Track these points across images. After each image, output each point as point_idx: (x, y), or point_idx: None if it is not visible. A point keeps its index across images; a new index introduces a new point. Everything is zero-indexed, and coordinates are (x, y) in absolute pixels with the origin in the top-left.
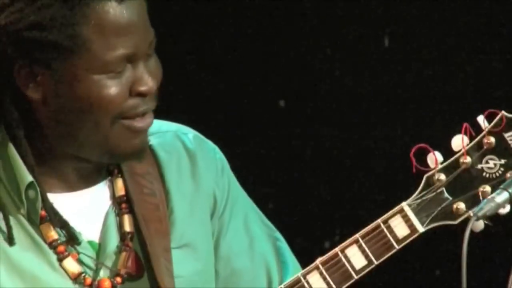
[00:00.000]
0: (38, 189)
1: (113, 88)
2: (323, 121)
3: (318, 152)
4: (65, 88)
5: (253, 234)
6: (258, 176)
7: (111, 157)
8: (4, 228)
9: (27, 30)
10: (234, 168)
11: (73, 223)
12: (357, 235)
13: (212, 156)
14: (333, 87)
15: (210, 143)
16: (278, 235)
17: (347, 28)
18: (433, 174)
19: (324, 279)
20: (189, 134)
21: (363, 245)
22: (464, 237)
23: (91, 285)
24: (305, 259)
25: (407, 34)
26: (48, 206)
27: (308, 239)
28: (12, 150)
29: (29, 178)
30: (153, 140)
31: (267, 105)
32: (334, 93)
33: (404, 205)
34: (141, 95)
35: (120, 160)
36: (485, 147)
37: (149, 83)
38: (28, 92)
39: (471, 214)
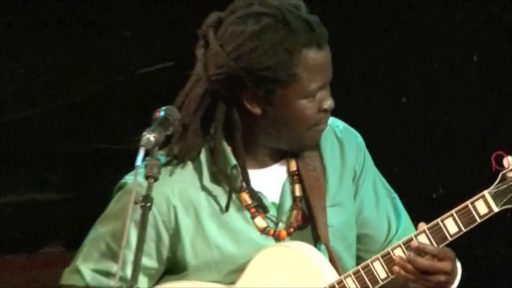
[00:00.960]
0: (239, 169)
1: (310, 109)
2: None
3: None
4: (279, 107)
5: (379, 194)
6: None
7: (300, 148)
8: (219, 197)
9: (261, 70)
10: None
11: (261, 190)
12: (453, 211)
13: (354, 141)
14: None
15: (353, 131)
16: (395, 195)
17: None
18: (506, 172)
19: (428, 239)
20: (340, 126)
21: (456, 218)
22: None
23: (273, 235)
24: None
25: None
26: (245, 180)
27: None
28: (224, 143)
29: (233, 161)
30: None
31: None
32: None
33: (486, 192)
34: (325, 111)
35: (305, 150)
36: None
37: (330, 103)
38: (251, 108)
39: None
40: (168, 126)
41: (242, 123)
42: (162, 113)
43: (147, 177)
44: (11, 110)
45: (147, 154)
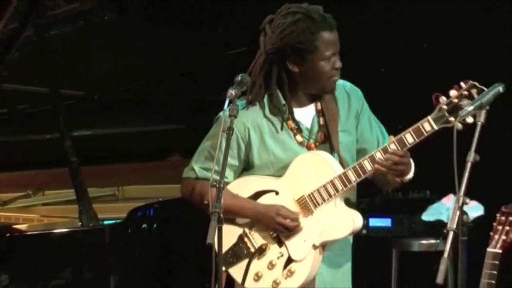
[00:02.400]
0: (286, 106)
1: (327, 67)
2: None
3: None
4: (308, 67)
5: (372, 124)
6: None
7: (323, 92)
8: (275, 123)
9: (297, 43)
10: None
11: (300, 120)
12: (410, 129)
13: (357, 93)
14: None
15: (357, 88)
16: (381, 126)
17: None
18: (441, 105)
19: (396, 146)
20: (348, 85)
21: (412, 133)
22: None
23: (306, 146)
24: None
25: None
26: (290, 113)
27: None
28: (277, 91)
29: (283, 101)
30: None
31: None
32: None
33: (429, 117)
34: (336, 69)
35: (326, 93)
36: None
37: (339, 63)
38: (292, 68)
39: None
40: (243, 86)
41: (288, 78)
42: (239, 78)
43: (230, 116)
44: (153, 73)
45: (231, 102)
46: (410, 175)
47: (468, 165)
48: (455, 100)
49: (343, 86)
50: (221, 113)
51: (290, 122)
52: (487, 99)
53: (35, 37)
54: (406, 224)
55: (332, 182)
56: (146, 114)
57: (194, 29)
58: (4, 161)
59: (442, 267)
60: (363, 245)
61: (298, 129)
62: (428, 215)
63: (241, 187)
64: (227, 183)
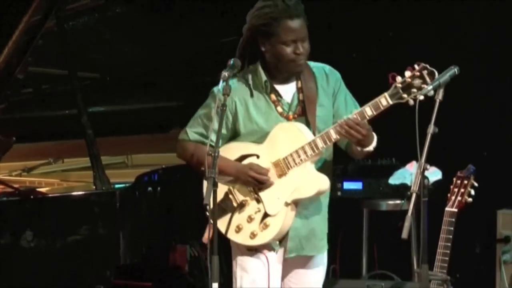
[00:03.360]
0: (268, 82)
1: (287, 51)
2: None
3: None
4: (273, 48)
5: (347, 102)
6: None
7: (288, 73)
8: (259, 96)
9: (261, 26)
10: None
11: (282, 95)
12: (369, 104)
13: (335, 75)
14: None
15: (335, 70)
16: (357, 103)
17: None
18: (396, 84)
19: (357, 117)
20: (327, 67)
21: (371, 107)
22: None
23: (285, 117)
24: None
25: None
26: (272, 87)
27: None
28: (260, 69)
29: (265, 78)
30: (313, 68)
31: None
32: None
33: (385, 94)
34: (297, 54)
35: (293, 73)
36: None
37: (300, 50)
38: (262, 47)
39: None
40: (235, 68)
41: (264, 57)
42: (232, 62)
43: (223, 94)
44: (157, 58)
45: (225, 82)
46: (371, 147)
47: (428, 136)
48: (409, 80)
49: (322, 68)
50: (215, 88)
51: (273, 95)
52: (444, 79)
53: (57, 28)
54: (375, 187)
55: (303, 148)
56: (151, 93)
57: (192, 20)
58: (29, 133)
59: (407, 224)
60: (338, 205)
61: (279, 102)
62: (394, 179)
63: (229, 151)
64: None
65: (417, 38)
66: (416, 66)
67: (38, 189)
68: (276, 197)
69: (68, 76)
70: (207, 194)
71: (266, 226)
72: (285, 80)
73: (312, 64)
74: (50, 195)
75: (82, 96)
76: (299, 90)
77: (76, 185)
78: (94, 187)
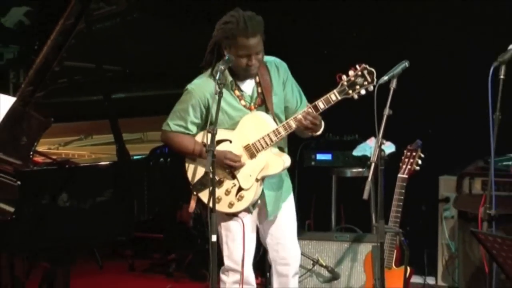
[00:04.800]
0: (233, 81)
1: (242, 62)
2: None
3: None
4: (231, 56)
5: (293, 89)
6: None
7: (245, 76)
8: (226, 92)
9: (223, 39)
10: None
11: (244, 90)
12: (321, 98)
13: (284, 66)
14: None
15: (283, 62)
16: (301, 93)
17: None
18: (342, 82)
19: (311, 109)
20: (277, 60)
21: (323, 101)
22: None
23: (249, 108)
24: None
25: None
26: (236, 84)
27: None
28: (226, 72)
29: (230, 78)
30: (266, 63)
31: None
32: None
33: (334, 91)
34: (249, 66)
35: (248, 77)
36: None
37: (250, 63)
38: (225, 52)
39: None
40: (229, 63)
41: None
42: (227, 57)
43: (219, 84)
44: (166, 55)
45: (220, 73)
46: (319, 132)
47: (385, 117)
48: (352, 78)
49: (273, 61)
50: (189, 86)
51: (236, 91)
52: (397, 71)
53: (86, 29)
54: (342, 158)
55: (268, 135)
56: (162, 82)
57: (195, 23)
58: (64, 115)
59: (367, 187)
60: (312, 173)
61: (242, 96)
62: (357, 152)
63: (206, 137)
64: (193, 135)
65: (375, 41)
66: (357, 67)
67: (71, 160)
68: (248, 175)
69: (95, 69)
70: (207, 163)
71: (241, 197)
72: (245, 78)
73: (265, 58)
74: (81, 165)
75: (107, 85)
76: (258, 84)
77: (103, 157)
78: (117, 158)
